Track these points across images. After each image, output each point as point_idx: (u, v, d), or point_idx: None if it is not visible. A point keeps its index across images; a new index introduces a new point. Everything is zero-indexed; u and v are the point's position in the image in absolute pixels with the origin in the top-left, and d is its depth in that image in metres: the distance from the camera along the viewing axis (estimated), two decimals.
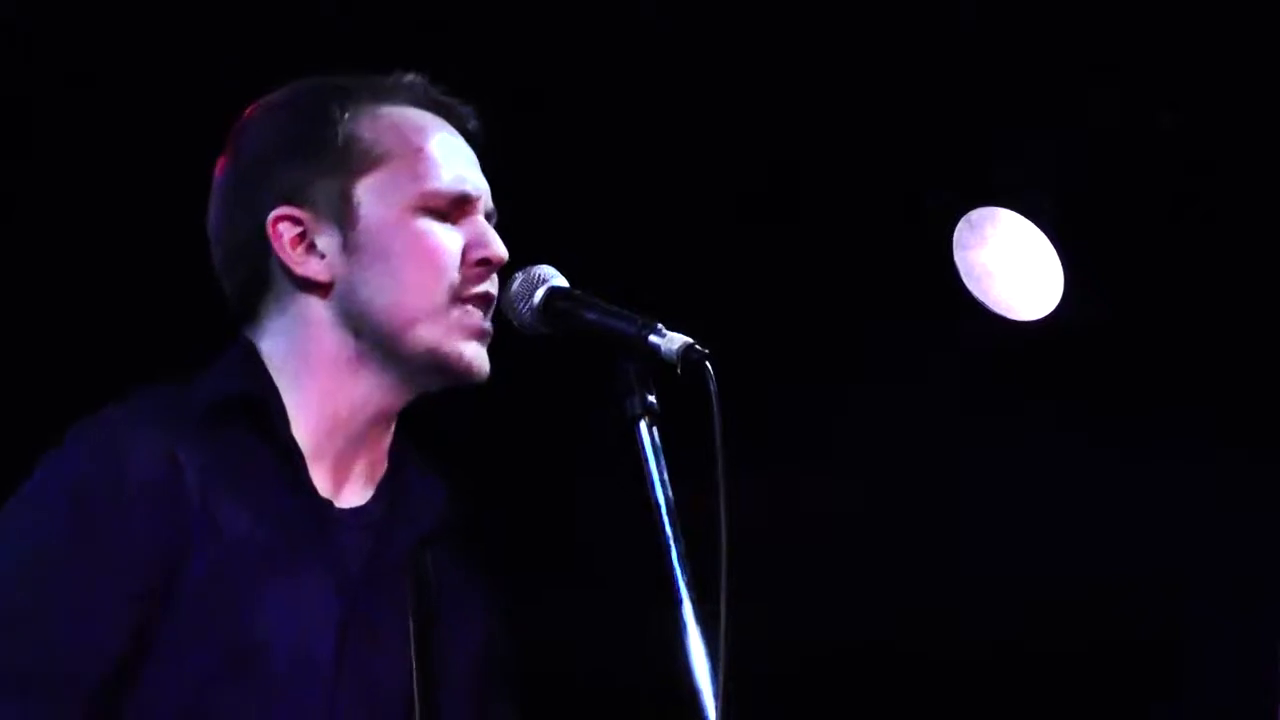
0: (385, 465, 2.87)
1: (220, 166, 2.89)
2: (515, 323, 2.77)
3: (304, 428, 2.79)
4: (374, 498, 2.84)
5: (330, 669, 2.72)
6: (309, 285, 2.82)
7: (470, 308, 2.80)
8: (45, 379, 4.73)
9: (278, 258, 2.82)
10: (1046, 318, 5.47)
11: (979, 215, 5.47)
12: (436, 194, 2.82)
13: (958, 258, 5.45)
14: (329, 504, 2.79)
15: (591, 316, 2.70)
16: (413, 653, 2.79)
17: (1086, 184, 5.31)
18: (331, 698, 2.71)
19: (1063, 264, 5.45)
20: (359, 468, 2.84)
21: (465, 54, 2.99)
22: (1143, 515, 5.63)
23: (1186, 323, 5.42)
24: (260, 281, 2.84)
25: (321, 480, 2.80)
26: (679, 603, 2.52)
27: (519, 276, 2.78)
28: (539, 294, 2.74)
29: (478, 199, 2.86)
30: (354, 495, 2.83)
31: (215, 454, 2.72)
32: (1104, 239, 5.37)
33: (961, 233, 5.45)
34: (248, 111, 2.92)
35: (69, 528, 2.63)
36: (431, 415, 2.89)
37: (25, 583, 2.62)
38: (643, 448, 2.60)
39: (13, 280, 4.72)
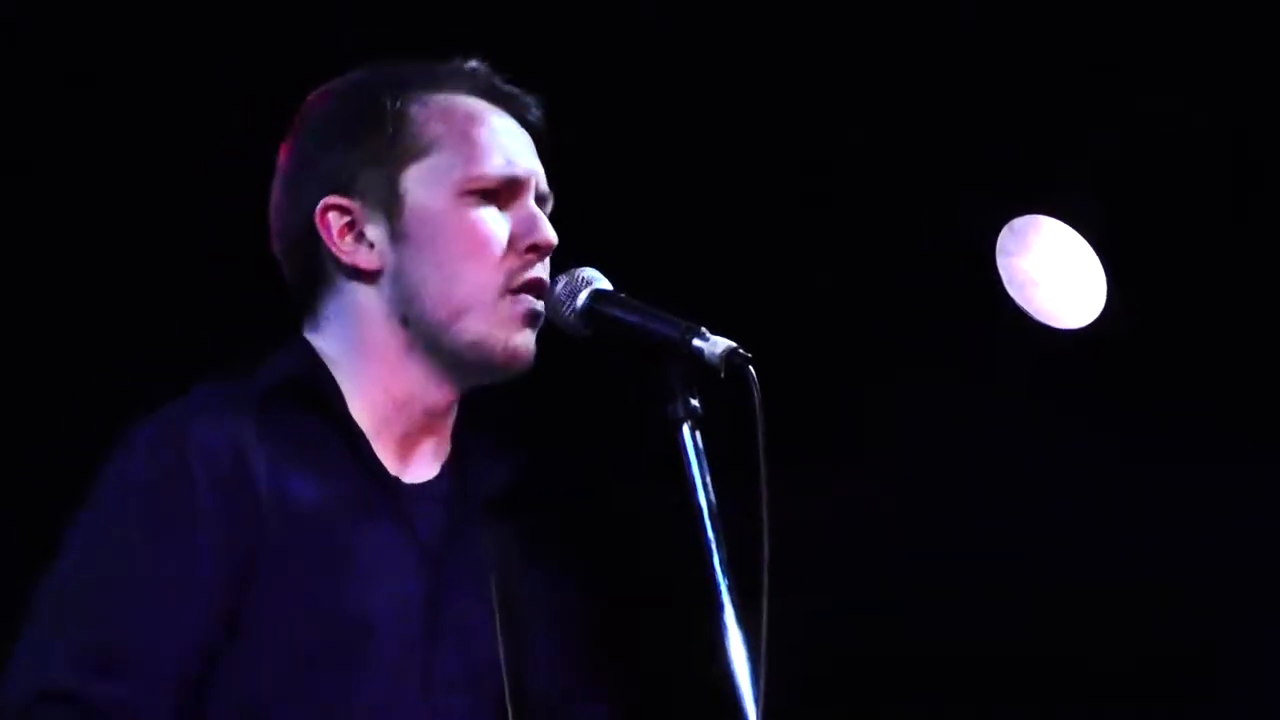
0: (449, 447, 2.87)
1: (281, 155, 2.90)
2: (558, 324, 2.77)
3: (364, 411, 2.79)
4: (440, 475, 2.85)
5: (425, 638, 2.72)
6: (359, 275, 2.82)
7: (520, 296, 2.79)
8: (45, 378, 4.75)
9: (327, 248, 2.82)
10: (1089, 326, 5.45)
11: (1022, 223, 5.45)
12: (483, 178, 2.81)
13: (1000, 265, 5.43)
14: (396, 479, 2.80)
15: (635, 319, 2.70)
16: (496, 617, 2.79)
17: (1130, 191, 5.29)
18: (428, 666, 2.72)
19: (1106, 272, 5.43)
20: (425, 448, 2.84)
21: (464, 54, 2.96)
22: (1187, 523, 5.60)
23: (1230, 331, 5.39)
24: (315, 271, 2.85)
25: (386, 458, 2.80)
26: (720, 607, 2.52)
27: (562, 279, 2.78)
28: (583, 297, 2.74)
29: (527, 182, 2.84)
30: (421, 472, 2.83)
31: (279, 437, 2.73)
32: (1147, 247, 5.35)
33: (1004, 240, 5.44)
34: (309, 98, 2.92)
35: (142, 518, 2.63)
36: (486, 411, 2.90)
37: (106, 573, 2.62)
38: (685, 452, 2.60)
39: (11, 280, 4.72)
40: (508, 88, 2.91)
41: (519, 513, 2.89)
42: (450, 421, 2.87)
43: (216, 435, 2.68)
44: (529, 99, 2.91)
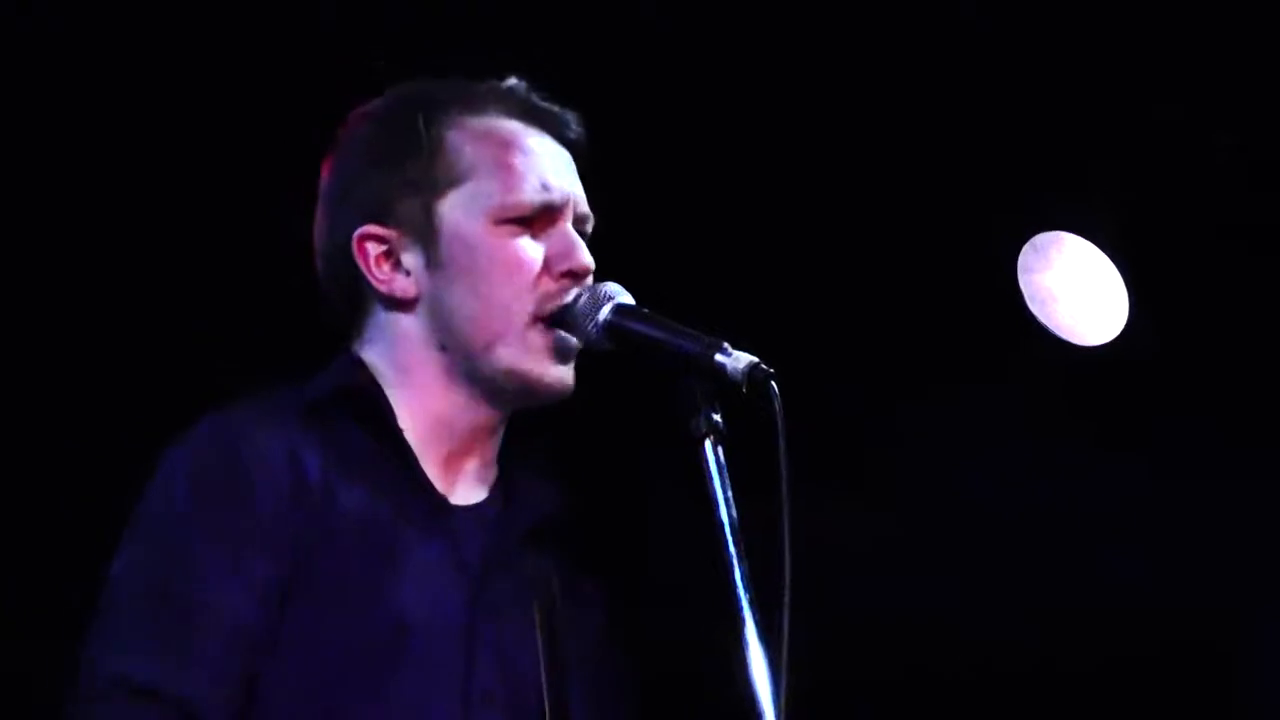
0: (495, 470, 2.88)
1: (323, 174, 2.91)
2: (580, 339, 2.78)
3: (411, 427, 2.80)
4: (488, 499, 2.86)
5: (463, 653, 2.73)
6: (396, 302, 2.83)
7: (549, 329, 2.79)
8: (50, 381, 4.77)
9: (364, 275, 2.83)
10: (1111, 343, 5.44)
11: (1044, 239, 5.44)
12: (518, 206, 2.82)
13: (1022, 281, 5.43)
14: (443, 498, 2.81)
15: (657, 334, 2.70)
16: (539, 639, 2.80)
17: (1153, 208, 5.28)
18: (467, 681, 2.73)
19: (1128, 288, 5.42)
20: (470, 468, 2.85)
21: (462, 55, 2.96)
22: (1209, 542, 5.59)
23: (1253, 349, 5.38)
24: (354, 296, 2.86)
25: (433, 476, 2.81)
26: (742, 622, 2.52)
27: (585, 294, 2.78)
28: (605, 311, 2.75)
29: (564, 206, 2.85)
30: (468, 494, 2.85)
31: (329, 446, 2.75)
32: (1170, 263, 5.34)
33: (1026, 256, 5.43)
34: (349, 118, 2.93)
35: (189, 507, 2.66)
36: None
37: (172, 570, 2.64)
38: (707, 467, 2.60)
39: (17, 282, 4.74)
40: (546, 106, 2.90)
41: (565, 541, 2.89)
42: (495, 443, 2.88)
43: (273, 441, 2.70)
44: (568, 117, 2.91)
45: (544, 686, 2.78)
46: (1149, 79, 5.06)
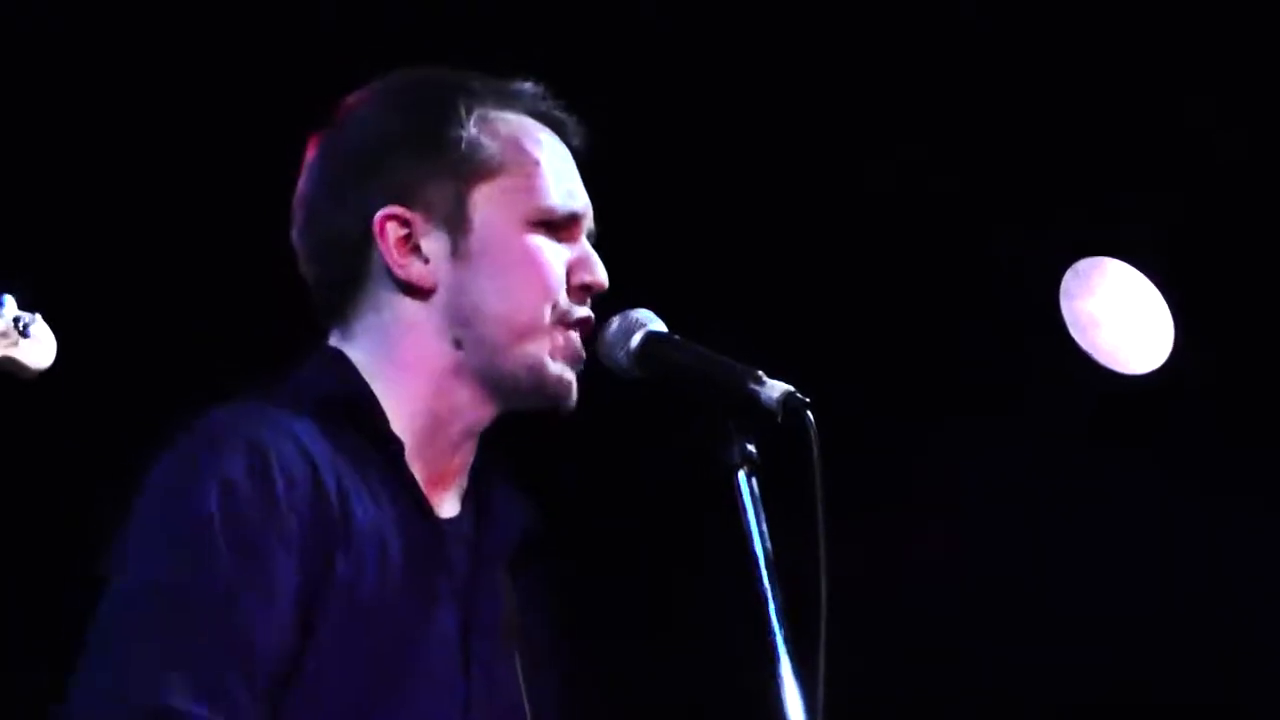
0: (467, 483, 2.82)
1: (321, 150, 2.81)
2: (611, 366, 2.73)
3: (402, 432, 2.73)
4: (462, 511, 2.80)
5: (461, 672, 2.69)
6: (409, 289, 2.74)
7: (571, 333, 2.75)
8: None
9: (381, 257, 2.74)
10: (1156, 371, 5.40)
11: (1086, 265, 5.42)
12: (551, 210, 2.77)
13: (1064, 308, 5.40)
14: (431, 510, 2.75)
15: (690, 363, 2.66)
16: (516, 662, 2.76)
17: (1199, 232, 5.24)
18: (466, 700, 2.69)
19: (1173, 315, 5.38)
20: (450, 480, 2.79)
21: (460, 56, 2.91)
22: (1256, 572, 5.54)
23: None
24: (356, 278, 2.76)
25: (420, 486, 2.75)
26: (776, 657, 2.48)
27: (616, 320, 2.74)
28: (636, 338, 2.70)
29: (584, 218, 2.81)
30: (449, 506, 2.78)
31: (338, 454, 2.67)
32: (1218, 290, 5.30)
33: (1068, 283, 5.40)
34: (357, 96, 2.84)
35: (224, 522, 2.55)
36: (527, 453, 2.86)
37: (197, 583, 2.54)
38: (741, 499, 2.56)
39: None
40: (559, 113, 2.86)
41: (534, 560, 2.85)
42: (473, 451, 2.81)
43: (290, 448, 2.62)
44: (576, 125, 2.86)
45: (525, 703, 2.74)
46: (1195, 104, 5.04)
